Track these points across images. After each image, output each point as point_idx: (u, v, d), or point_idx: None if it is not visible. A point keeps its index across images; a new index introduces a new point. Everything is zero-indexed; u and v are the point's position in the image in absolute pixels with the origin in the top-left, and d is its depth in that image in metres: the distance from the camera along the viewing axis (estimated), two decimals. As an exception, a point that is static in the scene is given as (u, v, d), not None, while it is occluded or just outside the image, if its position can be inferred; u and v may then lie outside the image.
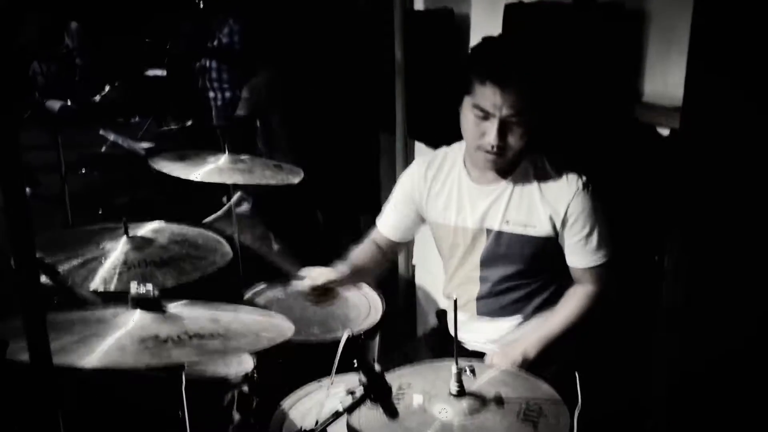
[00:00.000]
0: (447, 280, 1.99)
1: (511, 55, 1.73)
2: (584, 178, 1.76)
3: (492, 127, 1.68)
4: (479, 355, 1.85)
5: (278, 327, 1.42)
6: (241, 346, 1.30)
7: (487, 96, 1.67)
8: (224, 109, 4.93)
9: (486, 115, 1.68)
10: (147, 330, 1.30)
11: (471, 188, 1.85)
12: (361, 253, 2.04)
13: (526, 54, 1.75)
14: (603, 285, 1.80)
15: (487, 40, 1.80)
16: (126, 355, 1.21)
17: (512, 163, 1.78)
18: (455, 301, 1.39)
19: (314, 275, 1.89)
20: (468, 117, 1.73)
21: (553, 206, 1.75)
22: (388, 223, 2.04)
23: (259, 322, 1.44)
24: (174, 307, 1.41)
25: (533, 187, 1.78)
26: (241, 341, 1.31)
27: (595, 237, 1.75)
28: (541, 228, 1.76)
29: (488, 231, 1.82)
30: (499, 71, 1.66)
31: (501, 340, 1.87)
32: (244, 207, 4.71)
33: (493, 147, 1.70)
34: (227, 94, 4.89)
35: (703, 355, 1.54)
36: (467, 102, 1.72)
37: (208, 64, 4.92)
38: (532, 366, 1.69)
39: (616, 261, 1.80)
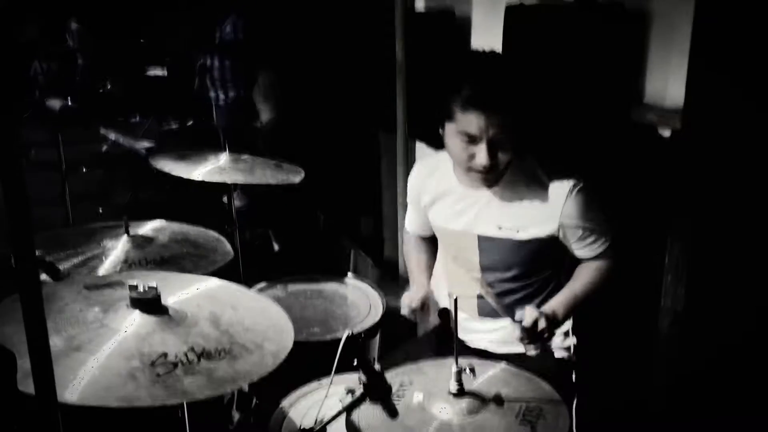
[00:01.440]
0: (449, 279, 1.99)
1: (489, 77, 1.67)
2: (575, 177, 1.73)
3: (481, 149, 1.65)
4: (482, 354, 1.85)
5: (278, 327, 1.41)
6: (251, 371, 1.26)
7: (472, 121, 1.63)
8: (226, 109, 4.90)
9: (473, 139, 1.65)
10: (152, 344, 1.26)
11: (462, 194, 1.84)
12: (422, 254, 2.05)
13: (505, 73, 1.70)
14: (614, 260, 1.80)
15: (460, 64, 1.74)
16: (140, 389, 1.16)
17: (502, 171, 1.77)
18: (455, 300, 1.39)
19: (411, 297, 1.89)
20: (454, 142, 1.69)
21: (546, 210, 1.73)
22: (415, 223, 2.05)
23: (259, 323, 1.43)
24: (173, 305, 1.40)
25: (524, 191, 1.76)
26: (247, 359, 1.28)
27: (597, 231, 1.75)
28: (534, 231, 1.75)
29: (481, 236, 1.81)
30: (479, 97, 1.61)
31: (503, 340, 1.87)
32: (239, 203, 4.69)
33: (484, 167, 1.68)
34: (231, 94, 4.85)
35: (703, 353, 1.55)
36: (451, 128, 1.69)
37: (209, 63, 4.90)
38: (554, 328, 1.68)
39: (620, 238, 1.79)
